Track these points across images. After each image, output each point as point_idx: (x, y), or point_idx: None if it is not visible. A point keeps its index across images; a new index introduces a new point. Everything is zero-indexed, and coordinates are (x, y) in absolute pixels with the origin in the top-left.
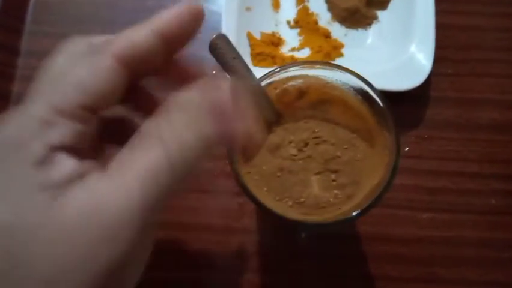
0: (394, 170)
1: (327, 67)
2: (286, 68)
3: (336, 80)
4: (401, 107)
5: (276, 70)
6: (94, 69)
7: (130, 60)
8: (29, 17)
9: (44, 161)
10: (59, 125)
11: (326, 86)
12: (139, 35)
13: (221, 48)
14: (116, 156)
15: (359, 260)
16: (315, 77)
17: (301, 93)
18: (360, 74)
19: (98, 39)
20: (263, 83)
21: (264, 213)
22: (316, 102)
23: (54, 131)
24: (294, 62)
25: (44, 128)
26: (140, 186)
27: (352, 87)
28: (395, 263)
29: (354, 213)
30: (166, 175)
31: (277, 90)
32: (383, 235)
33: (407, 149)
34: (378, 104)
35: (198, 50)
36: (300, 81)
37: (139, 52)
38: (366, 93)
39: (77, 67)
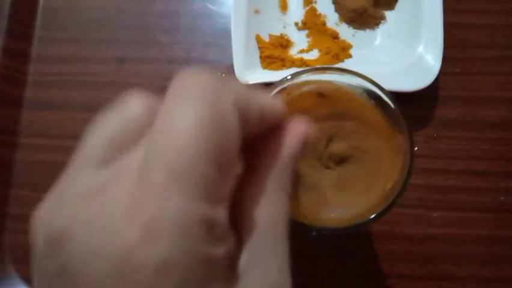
0: (409, 172)
1: (339, 72)
2: (298, 75)
3: (348, 84)
4: (409, 107)
5: (288, 77)
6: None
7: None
8: (38, 23)
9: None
10: (222, 226)
11: (338, 90)
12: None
13: None
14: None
15: (370, 258)
16: (328, 82)
17: (315, 98)
18: (371, 78)
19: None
20: (276, 90)
21: None
22: (330, 106)
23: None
24: (306, 69)
25: (211, 235)
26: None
27: (364, 90)
28: (406, 261)
29: (371, 217)
30: None
31: (291, 96)
32: (394, 234)
33: (416, 148)
34: (390, 106)
35: (205, 54)
36: (312, 86)
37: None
38: (378, 96)
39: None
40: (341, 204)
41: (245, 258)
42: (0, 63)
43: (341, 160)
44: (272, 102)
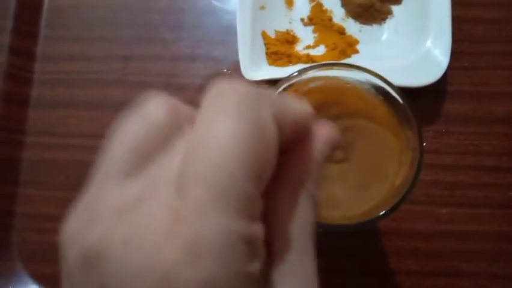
0: (419, 167)
1: (346, 68)
2: (306, 71)
3: (356, 80)
4: (417, 102)
5: (295, 74)
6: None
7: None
8: (43, 22)
9: None
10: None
11: (346, 87)
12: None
13: None
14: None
15: (379, 255)
16: (335, 78)
17: (323, 95)
18: (379, 73)
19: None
20: (283, 87)
21: None
22: (338, 103)
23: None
24: (313, 65)
25: (251, 252)
26: None
27: (372, 85)
28: (415, 258)
29: (380, 214)
30: None
31: (298, 93)
32: (402, 230)
33: (424, 144)
34: (399, 102)
35: (210, 51)
36: (320, 82)
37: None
38: (386, 91)
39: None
40: (350, 202)
41: (278, 269)
42: (7, 62)
43: (349, 157)
44: (304, 110)
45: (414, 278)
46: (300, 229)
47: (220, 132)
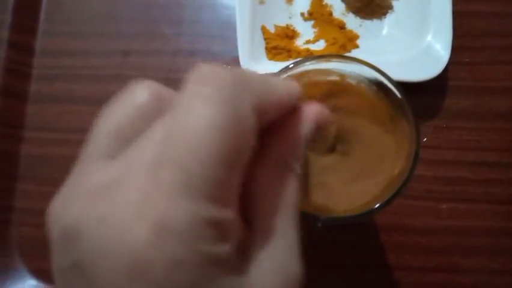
0: (415, 160)
1: (343, 60)
2: (302, 63)
3: (353, 73)
4: (417, 97)
5: (291, 66)
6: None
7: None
8: (42, 16)
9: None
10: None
11: (342, 80)
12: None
13: None
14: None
15: (378, 250)
16: (331, 72)
17: (319, 89)
18: (377, 66)
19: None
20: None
21: None
22: (332, 96)
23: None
24: (308, 57)
25: (220, 236)
26: None
27: (369, 79)
28: (415, 253)
29: (376, 206)
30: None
31: None
32: (402, 225)
33: (425, 139)
34: (396, 96)
35: (209, 46)
36: (315, 76)
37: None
38: (384, 85)
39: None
40: (347, 195)
41: (257, 243)
42: (5, 56)
43: (346, 150)
44: (291, 90)
45: (415, 274)
46: (276, 200)
47: (197, 118)
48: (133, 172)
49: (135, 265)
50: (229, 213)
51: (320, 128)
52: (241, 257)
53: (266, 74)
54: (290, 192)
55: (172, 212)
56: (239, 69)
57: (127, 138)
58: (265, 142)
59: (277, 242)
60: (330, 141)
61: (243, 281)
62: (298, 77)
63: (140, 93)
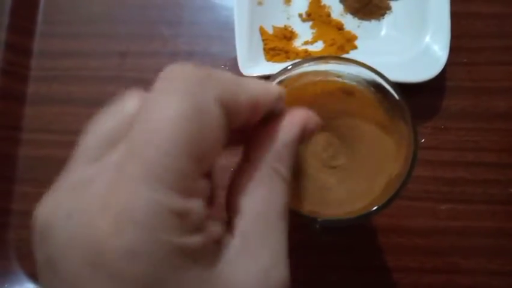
0: (413, 161)
1: (341, 61)
2: (300, 65)
3: (351, 74)
4: (415, 98)
5: (289, 67)
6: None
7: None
8: (40, 18)
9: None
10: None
11: (340, 82)
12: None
13: None
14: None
15: (377, 252)
16: (329, 73)
17: (315, 91)
18: (374, 67)
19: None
20: (275, 81)
21: None
22: (330, 97)
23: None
24: (307, 58)
25: (184, 225)
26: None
27: (366, 80)
28: (413, 254)
29: (374, 208)
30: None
31: (288, 89)
32: (401, 227)
33: (423, 140)
34: (394, 97)
35: (208, 47)
36: (311, 78)
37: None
38: (382, 86)
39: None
40: (345, 197)
41: (236, 245)
42: (3, 58)
43: (342, 154)
44: (265, 90)
45: (413, 275)
46: (259, 204)
47: (160, 112)
48: (104, 170)
49: (97, 255)
50: (193, 204)
51: (307, 133)
52: (218, 253)
53: (249, 77)
54: (275, 196)
55: (132, 201)
56: (208, 68)
57: (113, 143)
58: (251, 146)
59: (258, 245)
60: (324, 147)
61: (214, 276)
62: (297, 78)
63: (129, 102)
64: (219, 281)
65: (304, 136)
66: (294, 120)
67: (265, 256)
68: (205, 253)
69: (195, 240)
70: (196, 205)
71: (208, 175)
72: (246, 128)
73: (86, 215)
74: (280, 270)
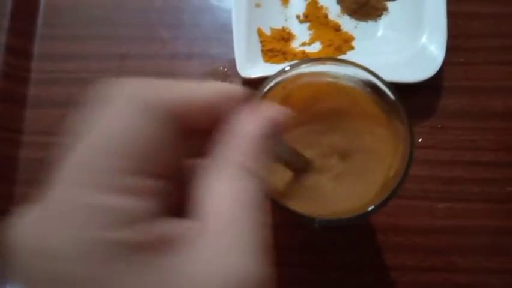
0: (410, 161)
1: (337, 63)
2: (297, 66)
3: (347, 75)
4: (413, 98)
5: (287, 68)
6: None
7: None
8: (40, 21)
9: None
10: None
11: (336, 82)
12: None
13: None
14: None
15: (374, 251)
16: (325, 74)
17: (312, 92)
18: (370, 68)
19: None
20: (272, 83)
21: (278, 209)
22: (327, 98)
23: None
24: (304, 60)
25: (111, 221)
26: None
27: (363, 81)
28: (411, 253)
29: (372, 207)
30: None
31: (286, 90)
32: (398, 226)
33: (420, 140)
34: (389, 97)
35: (206, 48)
36: (308, 79)
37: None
38: (377, 87)
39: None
40: (342, 197)
41: (201, 242)
42: (3, 61)
43: (340, 155)
44: (224, 93)
45: (411, 274)
46: (235, 208)
47: (103, 120)
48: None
49: (34, 257)
50: (128, 202)
51: (278, 127)
52: (179, 247)
53: (210, 82)
54: (245, 193)
55: (62, 201)
56: (153, 79)
57: None
58: (217, 143)
59: (225, 243)
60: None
61: (170, 267)
62: (294, 79)
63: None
64: (177, 272)
65: (275, 130)
66: (259, 115)
67: (233, 253)
68: (141, 249)
69: (126, 235)
70: (127, 201)
71: (170, 177)
72: (216, 131)
73: (28, 219)
74: (252, 267)
